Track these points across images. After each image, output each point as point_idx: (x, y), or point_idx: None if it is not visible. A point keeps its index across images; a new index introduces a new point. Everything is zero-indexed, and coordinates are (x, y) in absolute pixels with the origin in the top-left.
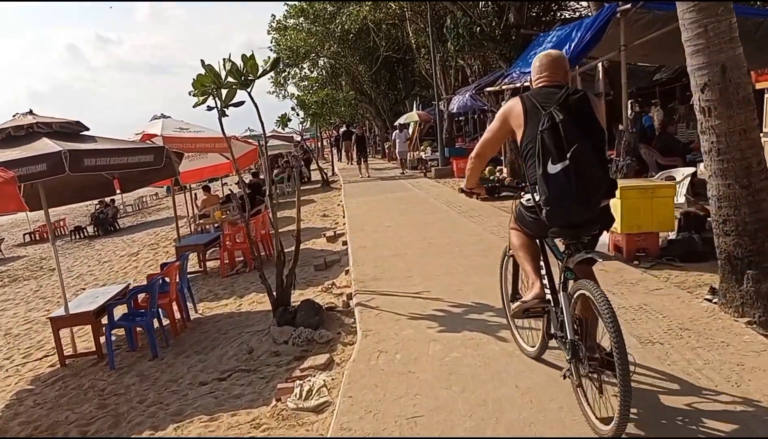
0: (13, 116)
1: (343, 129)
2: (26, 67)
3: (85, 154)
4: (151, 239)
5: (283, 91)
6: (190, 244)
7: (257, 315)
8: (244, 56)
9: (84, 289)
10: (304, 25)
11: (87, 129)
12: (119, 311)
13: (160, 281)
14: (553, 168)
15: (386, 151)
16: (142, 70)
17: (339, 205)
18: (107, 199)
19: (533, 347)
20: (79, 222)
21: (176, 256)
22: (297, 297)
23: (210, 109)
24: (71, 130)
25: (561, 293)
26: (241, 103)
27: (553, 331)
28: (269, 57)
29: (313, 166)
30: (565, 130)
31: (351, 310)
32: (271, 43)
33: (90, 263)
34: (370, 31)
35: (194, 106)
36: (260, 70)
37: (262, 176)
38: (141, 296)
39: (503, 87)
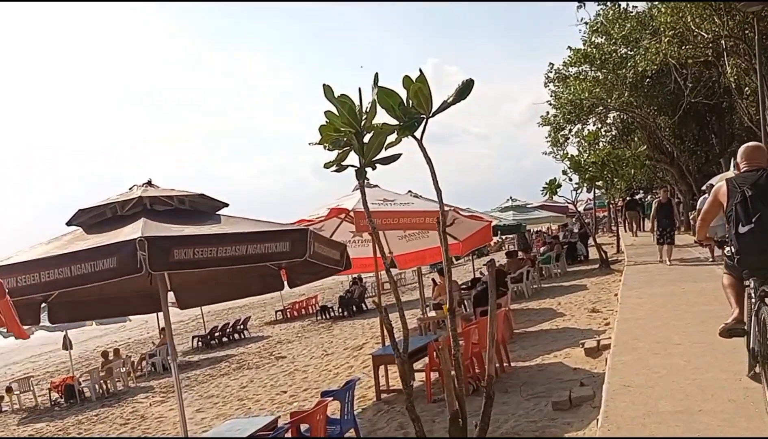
0: (129, 189)
1: (628, 198)
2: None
3: (177, 243)
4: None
5: (561, 151)
6: (389, 353)
7: None
8: (407, 79)
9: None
10: (589, 72)
11: (221, 205)
12: None
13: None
14: (742, 229)
15: (690, 222)
16: (426, 142)
17: (616, 295)
18: (356, 276)
19: None
20: (329, 300)
21: (373, 367)
22: None
23: (341, 168)
24: (193, 208)
25: (753, 317)
26: (396, 157)
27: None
28: (548, 112)
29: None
30: (752, 202)
31: None
32: (550, 97)
33: (315, 354)
34: (671, 72)
35: (326, 166)
36: (434, 106)
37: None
38: None
39: None
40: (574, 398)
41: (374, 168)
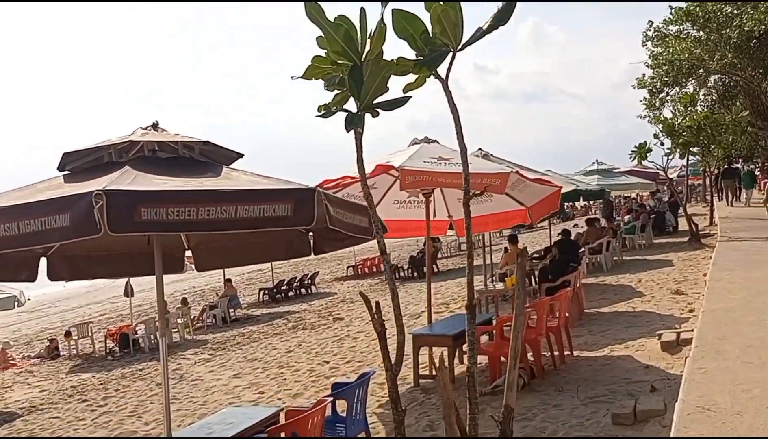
0: (133, 132)
1: (725, 166)
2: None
3: (143, 199)
4: (450, 292)
5: (654, 114)
6: (433, 334)
7: None
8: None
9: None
10: (690, 31)
11: (235, 156)
12: None
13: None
14: None
15: None
16: (518, 100)
17: (704, 276)
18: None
19: None
20: (403, 258)
21: (413, 348)
22: None
23: (329, 113)
24: (205, 158)
25: None
26: (405, 100)
27: None
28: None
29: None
30: None
31: None
32: (648, 57)
33: None
34: None
35: (320, 114)
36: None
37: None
38: None
39: None
40: (639, 412)
41: (375, 114)
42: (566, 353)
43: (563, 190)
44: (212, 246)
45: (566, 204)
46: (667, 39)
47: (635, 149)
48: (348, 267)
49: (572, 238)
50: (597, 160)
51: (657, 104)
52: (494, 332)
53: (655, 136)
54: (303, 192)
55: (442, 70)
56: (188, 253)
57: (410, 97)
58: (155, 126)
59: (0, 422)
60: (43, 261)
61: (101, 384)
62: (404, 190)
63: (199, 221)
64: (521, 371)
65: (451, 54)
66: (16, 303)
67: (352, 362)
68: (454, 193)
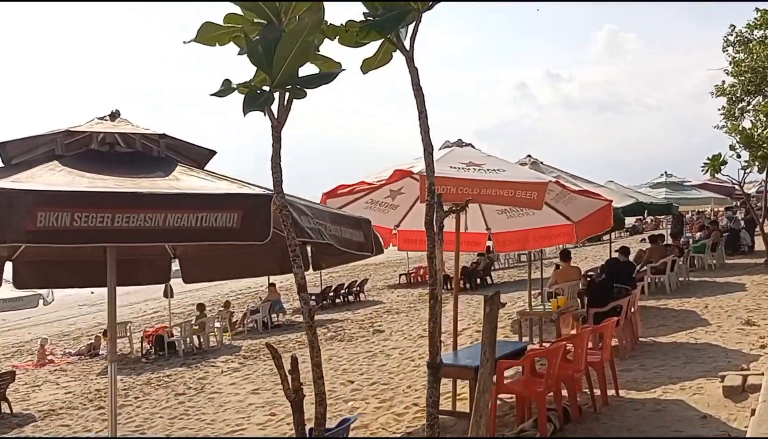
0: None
1: None
2: (474, 104)
3: (44, 202)
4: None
5: (734, 124)
6: (454, 364)
7: None
8: None
9: None
10: None
11: (205, 153)
12: None
13: None
14: None
15: None
16: (589, 108)
17: None
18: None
19: None
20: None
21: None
22: None
23: (227, 90)
24: (175, 154)
25: None
26: (333, 76)
27: None
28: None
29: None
30: None
31: None
32: (729, 64)
33: (412, 332)
34: None
35: (215, 92)
36: None
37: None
38: None
39: None
40: None
41: (299, 94)
42: (610, 392)
43: (623, 204)
44: (198, 256)
45: (635, 218)
46: (751, 44)
47: (708, 161)
48: (401, 275)
49: (628, 257)
50: (666, 172)
51: (736, 114)
52: (523, 367)
53: (731, 147)
54: (255, 199)
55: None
56: None
57: (339, 71)
58: (114, 115)
59: (13, 426)
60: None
61: (124, 390)
62: (422, 202)
63: (115, 229)
64: (552, 414)
65: (416, 15)
66: (41, 301)
67: (376, 384)
68: (492, 206)
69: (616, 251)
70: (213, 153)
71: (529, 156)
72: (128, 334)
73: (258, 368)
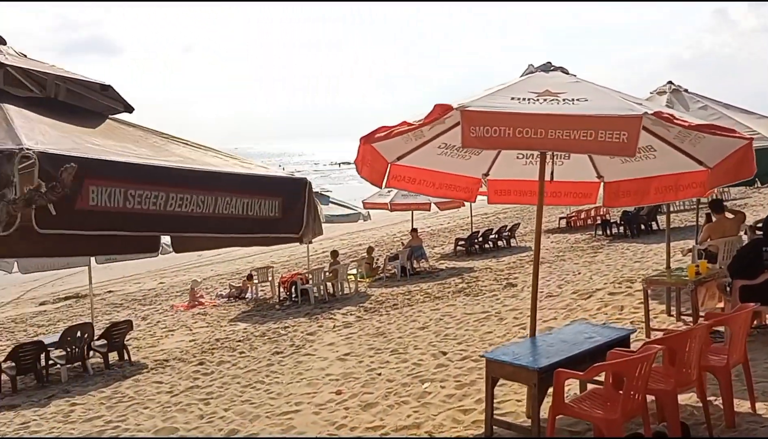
0: None
1: None
2: (668, 34)
3: (94, 172)
4: (651, 262)
5: None
6: (512, 362)
7: None
8: None
9: None
10: None
11: (123, 109)
12: None
13: None
14: None
15: None
16: None
17: None
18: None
19: None
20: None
21: (486, 383)
22: None
23: None
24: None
25: None
26: None
27: None
28: None
29: None
30: None
31: None
32: None
33: (546, 288)
34: None
35: None
36: None
37: None
38: None
39: None
40: None
41: None
42: (743, 407)
43: None
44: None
45: None
46: None
47: None
48: (560, 218)
49: None
50: None
51: None
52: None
53: None
54: (294, 184)
55: None
56: None
57: None
58: None
59: (118, 377)
60: None
61: (239, 341)
62: (464, 146)
63: (166, 214)
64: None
65: None
66: (361, 218)
67: (467, 359)
68: None
69: None
70: (130, 108)
71: (670, 83)
72: (269, 278)
73: (368, 326)
